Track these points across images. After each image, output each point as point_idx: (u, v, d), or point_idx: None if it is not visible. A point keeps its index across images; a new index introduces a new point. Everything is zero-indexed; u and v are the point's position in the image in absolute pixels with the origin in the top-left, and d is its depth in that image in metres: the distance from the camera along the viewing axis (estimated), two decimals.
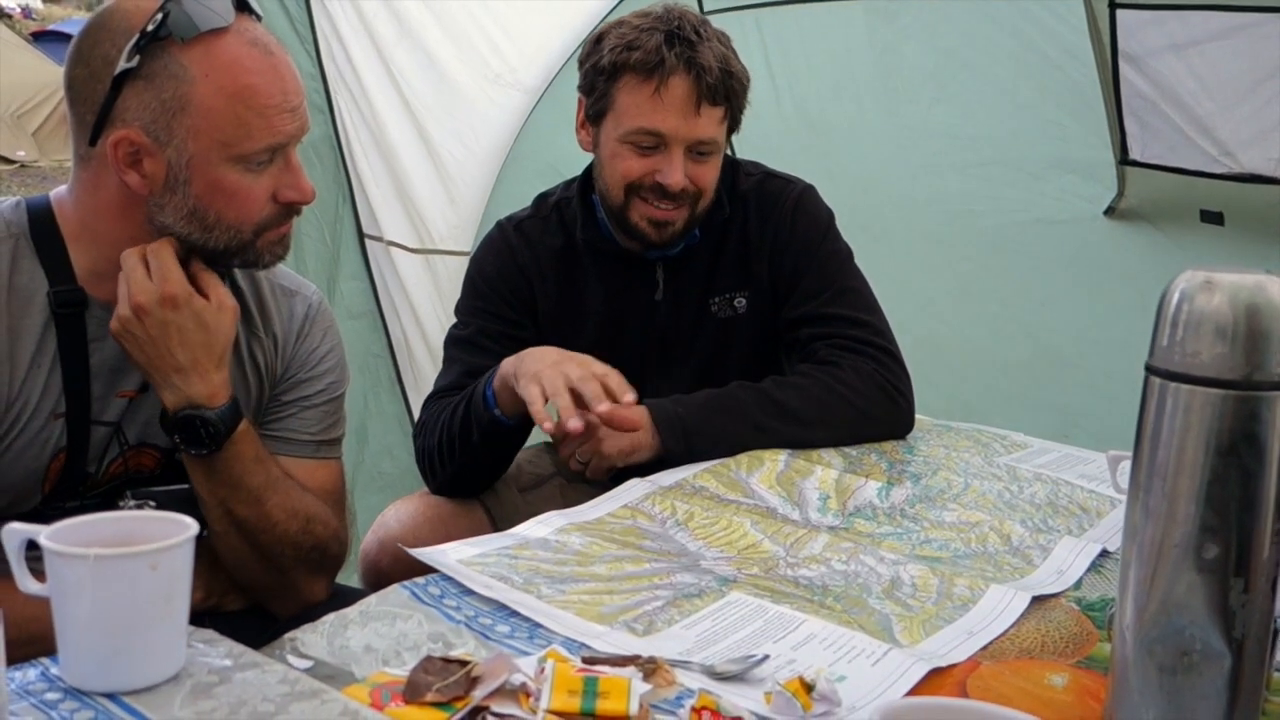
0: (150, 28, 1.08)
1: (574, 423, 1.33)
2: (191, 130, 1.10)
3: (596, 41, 1.58)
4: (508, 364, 1.43)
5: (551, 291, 1.64)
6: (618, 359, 1.58)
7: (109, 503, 1.22)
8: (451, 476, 1.56)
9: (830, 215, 1.70)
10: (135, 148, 1.11)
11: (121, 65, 1.08)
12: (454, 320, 1.69)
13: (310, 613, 1.07)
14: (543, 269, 1.64)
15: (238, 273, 1.29)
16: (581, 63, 1.60)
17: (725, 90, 1.53)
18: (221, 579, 1.26)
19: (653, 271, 1.65)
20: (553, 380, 1.34)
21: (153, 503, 1.21)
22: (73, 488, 1.20)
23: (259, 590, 1.28)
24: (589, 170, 1.69)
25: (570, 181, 1.71)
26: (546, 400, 1.36)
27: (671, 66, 1.50)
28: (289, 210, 1.19)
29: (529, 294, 1.64)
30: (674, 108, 1.51)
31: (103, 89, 1.10)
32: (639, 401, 1.41)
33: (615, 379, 1.37)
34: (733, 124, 1.60)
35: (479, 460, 1.55)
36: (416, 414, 2.88)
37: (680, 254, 1.64)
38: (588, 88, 1.59)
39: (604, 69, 1.54)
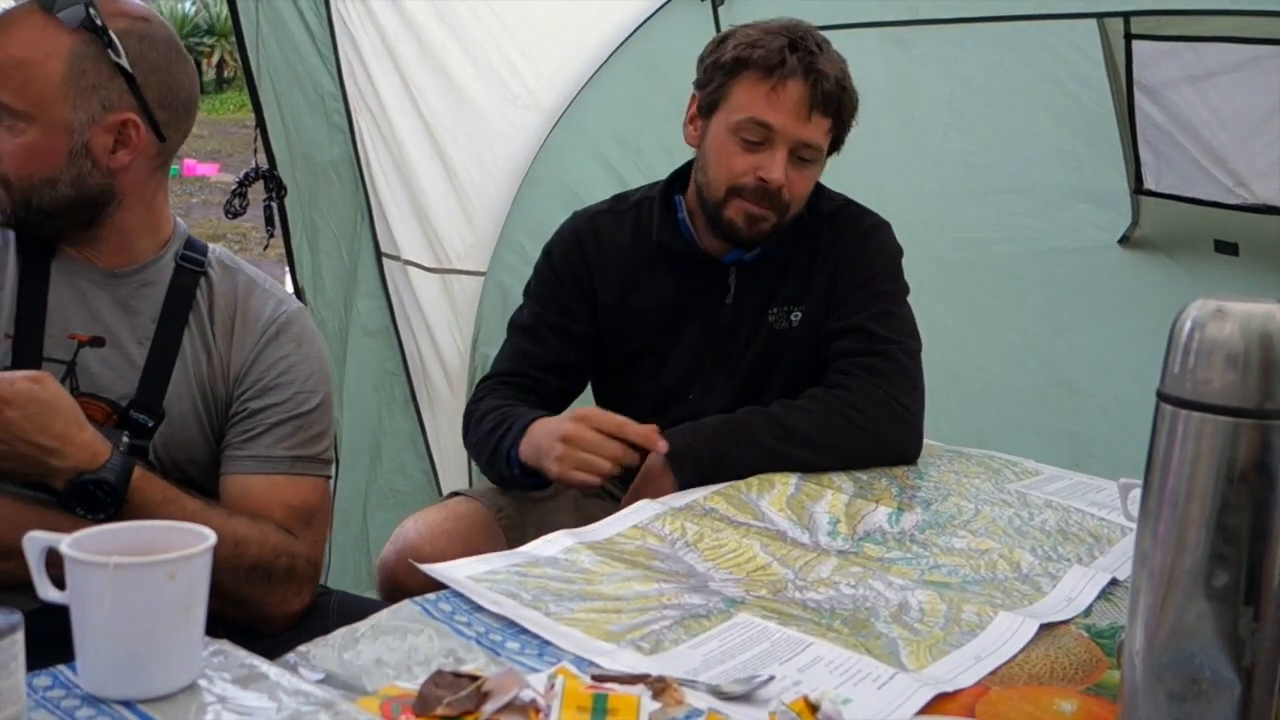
0: None
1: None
2: None
3: (720, 41, 1.64)
4: (528, 449, 1.52)
5: (613, 287, 1.71)
6: (673, 358, 1.69)
7: None
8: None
9: (898, 251, 1.73)
10: None
11: None
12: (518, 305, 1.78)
13: (307, 625, 1.08)
14: (607, 263, 1.71)
15: (215, 260, 1.31)
16: (702, 60, 1.66)
17: (837, 103, 1.59)
18: None
19: (725, 275, 1.69)
20: (574, 456, 1.45)
21: (125, 433, 1.22)
22: None
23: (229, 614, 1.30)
24: (676, 173, 1.75)
25: (654, 184, 1.77)
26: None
27: (791, 69, 1.56)
28: None
29: (590, 287, 1.71)
30: (786, 107, 1.57)
31: None
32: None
33: (617, 423, 1.46)
34: (835, 142, 1.65)
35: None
36: (430, 432, 2.91)
37: (754, 261, 1.68)
38: (704, 81, 1.64)
39: (724, 64, 1.60)
